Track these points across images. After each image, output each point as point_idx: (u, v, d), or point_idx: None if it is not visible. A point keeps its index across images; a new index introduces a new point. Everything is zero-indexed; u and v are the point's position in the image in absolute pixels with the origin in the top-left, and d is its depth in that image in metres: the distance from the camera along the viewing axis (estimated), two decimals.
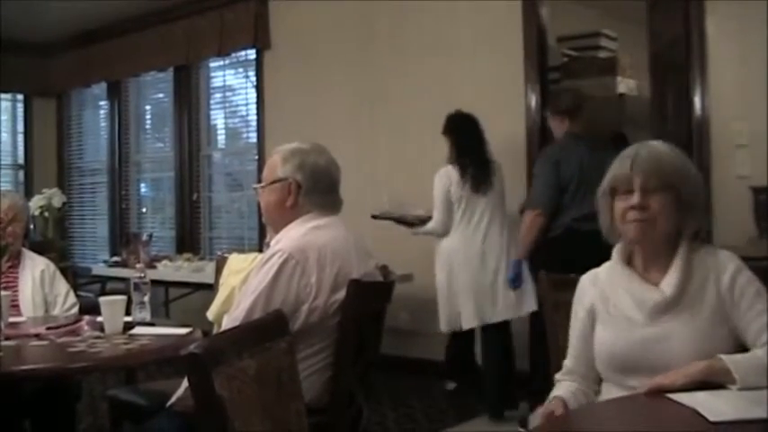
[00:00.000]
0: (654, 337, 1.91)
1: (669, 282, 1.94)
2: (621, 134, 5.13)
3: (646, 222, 1.94)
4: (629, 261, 2.04)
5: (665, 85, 4.77)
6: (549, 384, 2.18)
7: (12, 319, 3.21)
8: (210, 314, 2.81)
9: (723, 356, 1.78)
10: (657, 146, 2.03)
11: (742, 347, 1.87)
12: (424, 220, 4.81)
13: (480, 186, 4.59)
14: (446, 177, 4.62)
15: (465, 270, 4.58)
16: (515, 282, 4.51)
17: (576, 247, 3.60)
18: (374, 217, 5.00)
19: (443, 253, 4.68)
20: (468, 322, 4.60)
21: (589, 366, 2.06)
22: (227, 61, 7.39)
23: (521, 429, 4.11)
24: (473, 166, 4.59)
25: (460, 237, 4.62)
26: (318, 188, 2.49)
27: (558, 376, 2.15)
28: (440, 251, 4.71)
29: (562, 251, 4.16)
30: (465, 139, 4.65)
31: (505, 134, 5.26)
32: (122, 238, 7.69)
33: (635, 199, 1.94)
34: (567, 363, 2.13)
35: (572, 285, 2.18)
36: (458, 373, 5.20)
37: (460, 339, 4.99)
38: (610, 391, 1.99)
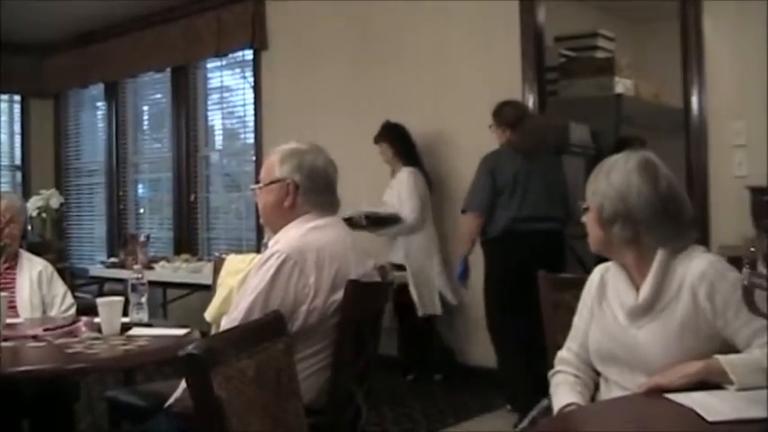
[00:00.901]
0: (632, 339, 1.96)
1: (645, 287, 1.97)
2: (625, 139, 5.22)
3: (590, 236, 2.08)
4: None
5: None
6: (544, 383, 2.19)
7: (9, 321, 3.20)
8: (208, 315, 2.81)
9: (720, 357, 1.79)
10: (606, 162, 2.07)
11: (721, 352, 1.84)
12: (396, 219, 5.27)
13: (431, 186, 5.41)
14: (419, 177, 5.30)
15: (432, 263, 5.33)
16: (464, 276, 4.86)
17: (514, 245, 4.46)
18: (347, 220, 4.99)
19: (413, 246, 5.29)
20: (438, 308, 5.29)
21: (587, 349, 2.12)
22: (224, 62, 7.39)
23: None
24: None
25: (427, 232, 5.35)
26: (316, 188, 2.49)
27: (557, 365, 2.17)
28: (409, 244, 5.28)
29: (502, 248, 4.55)
30: (407, 145, 5.39)
31: None
32: (120, 239, 7.68)
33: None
34: (567, 351, 2.17)
35: (570, 285, 2.19)
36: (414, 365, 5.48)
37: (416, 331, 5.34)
38: (603, 383, 2.06)
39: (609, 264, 2.13)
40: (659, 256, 1.96)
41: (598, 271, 2.16)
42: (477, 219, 4.61)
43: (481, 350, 5.29)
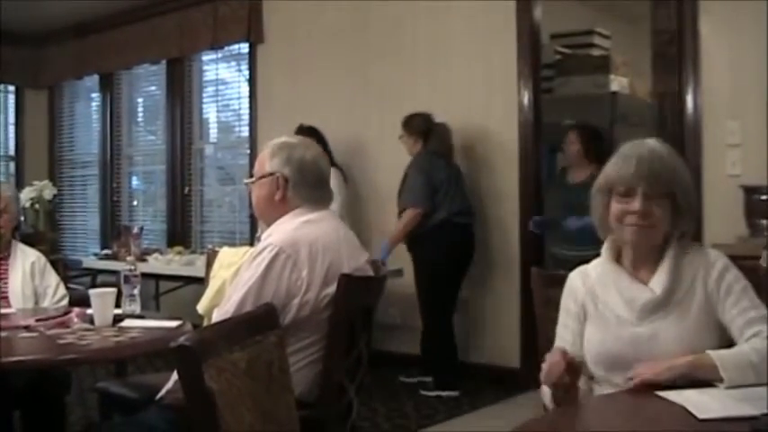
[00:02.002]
0: (643, 336, 1.92)
1: (658, 281, 1.95)
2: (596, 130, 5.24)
3: (644, 228, 1.95)
4: (617, 258, 2.06)
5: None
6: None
7: (1, 311, 3.20)
8: (201, 307, 2.80)
9: (710, 352, 1.80)
10: (658, 149, 2.01)
11: (729, 343, 1.88)
12: None
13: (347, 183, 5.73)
14: (341, 176, 5.53)
15: None
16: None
17: (451, 235, 5.08)
18: None
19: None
20: None
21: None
22: (219, 55, 7.38)
23: None
24: None
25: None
26: (305, 182, 2.49)
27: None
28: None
29: (440, 238, 5.07)
30: (328, 147, 5.40)
31: (498, 131, 5.27)
32: (113, 231, 7.66)
33: (637, 205, 1.94)
34: None
35: (562, 282, 2.18)
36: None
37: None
38: (600, 390, 1.98)
39: (586, 267, 2.11)
40: (673, 248, 1.97)
41: (577, 277, 2.12)
42: (419, 215, 5.08)
43: (472, 347, 5.30)
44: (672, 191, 1.96)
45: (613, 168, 2.01)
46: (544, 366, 1.82)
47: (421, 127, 5.26)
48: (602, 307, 2.03)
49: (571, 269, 2.17)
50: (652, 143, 2.03)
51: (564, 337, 2.09)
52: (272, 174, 2.50)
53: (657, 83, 4.82)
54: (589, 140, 4.99)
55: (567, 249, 4.77)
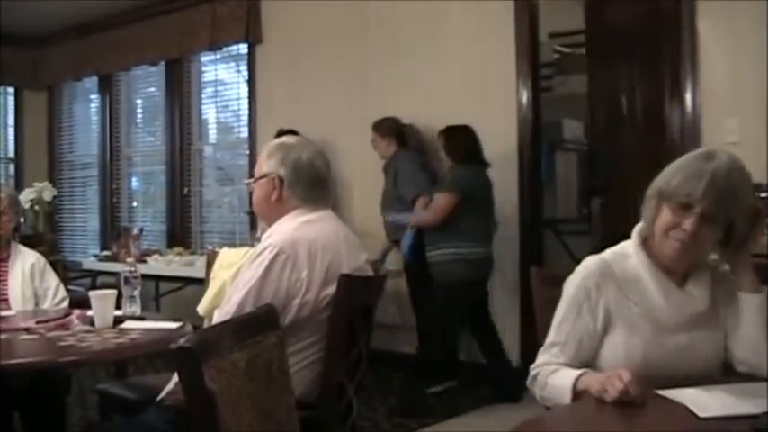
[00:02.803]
0: (684, 346, 1.89)
1: (703, 293, 1.93)
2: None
3: (687, 249, 1.87)
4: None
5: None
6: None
7: (1, 313, 3.20)
8: (201, 308, 2.80)
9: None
10: (735, 170, 1.87)
11: None
12: None
13: None
14: None
15: None
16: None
17: None
18: None
19: None
20: None
21: (582, 362, 1.93)
22: (218, 55, 7.37)
23: None
24: None
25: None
26: (301, 182, 2.49)
27: (553, 362, 1.95)
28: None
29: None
30: None
31: (497, 130, 5.26)
32: (113, 232, 7.66)
33: (688, 225, 1.83)
34: (553, 357, 1.95)
35: (562, 281, 2.16)
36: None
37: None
38: None
39: (601, 259, 1.99)
40: (712, 262, 1.97)
41: (598, 270, 1.96)
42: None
43: (472, 346, 5.29)
44: (731, 219, 1.86)
45: (681, 178, 1.87)
46: (608, 386, 1.69)
47: (393, 129, 5.38)
48: (638, 310, 1.92)
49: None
50: (727, 159, 1.88)
51: (573, 330, 1.95)
52: (267, 174, 2.51)
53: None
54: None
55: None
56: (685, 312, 1.90)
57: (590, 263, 2.00)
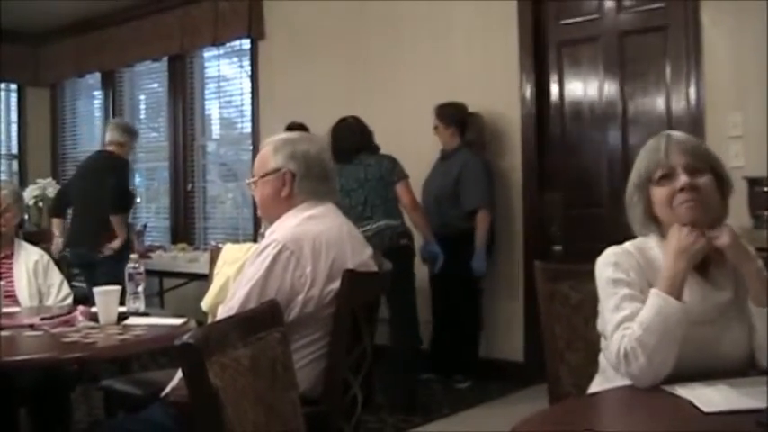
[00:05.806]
0: (711, 338, 1.85)
1: (727, 284, 1.90)
2: None
3: (697, 203, 1.86)
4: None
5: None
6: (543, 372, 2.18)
7: (7, 310, 3.20)
8: (205, 304, 2.80)
9: None
10: (682, 133, 1.99)
11: None
12: None
13: None
14: None
15: None
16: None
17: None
18: None
19: None
20: None
21: None
22: (221, 51, 7.37)
23: None
24: None
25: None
26: (311, 176, 2.48)
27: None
28: None
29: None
30: None
31: (500, 123, 5.26)
32: None
33: (682, 180, 1.86)
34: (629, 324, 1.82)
35: (566, 276, 2.16)
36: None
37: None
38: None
39: (626, 250, 1.94)
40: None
41: (624, 252, 1.93)
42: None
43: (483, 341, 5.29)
44: (711, 165, 1.90)
45: (645, 159, 1.94)
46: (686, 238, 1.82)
47: (458, 118, 5.12)
48: None
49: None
50: (673, 131, 1.99)
51: (625, 307, 1.84)
52: (278, 170, 2.48)
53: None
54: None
55: None
56: (710, 304, 1.87)
57: (616, 250, 1.96)
